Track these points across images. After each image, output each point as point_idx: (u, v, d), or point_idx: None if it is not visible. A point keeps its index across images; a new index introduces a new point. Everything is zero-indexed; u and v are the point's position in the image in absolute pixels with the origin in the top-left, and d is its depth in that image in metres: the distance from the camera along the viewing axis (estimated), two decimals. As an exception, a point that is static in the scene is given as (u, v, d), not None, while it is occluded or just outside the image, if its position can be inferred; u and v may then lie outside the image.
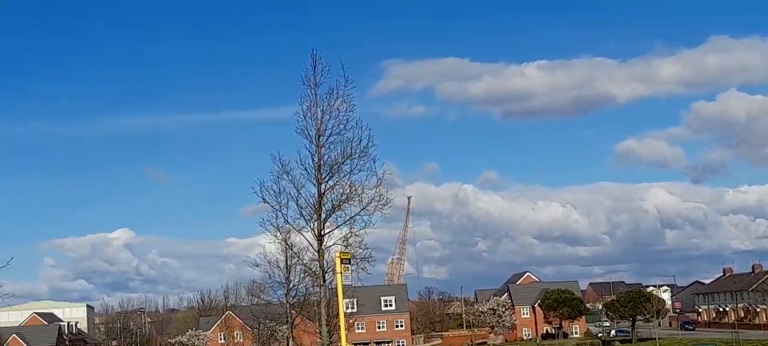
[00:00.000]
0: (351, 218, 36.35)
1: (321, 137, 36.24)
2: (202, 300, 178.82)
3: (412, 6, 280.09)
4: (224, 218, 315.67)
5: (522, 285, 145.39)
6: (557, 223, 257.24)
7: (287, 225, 36.89)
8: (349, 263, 28.32)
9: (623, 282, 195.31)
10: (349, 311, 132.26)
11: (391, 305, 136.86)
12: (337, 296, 28.64)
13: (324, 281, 36.85)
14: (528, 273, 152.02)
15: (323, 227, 36.35)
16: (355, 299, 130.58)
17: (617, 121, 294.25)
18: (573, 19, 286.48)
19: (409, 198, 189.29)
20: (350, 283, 28.42)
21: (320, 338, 37.79)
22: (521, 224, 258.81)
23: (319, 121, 36.30)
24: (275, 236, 37.00)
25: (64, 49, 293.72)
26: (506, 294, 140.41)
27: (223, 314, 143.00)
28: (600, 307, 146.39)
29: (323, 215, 36.31)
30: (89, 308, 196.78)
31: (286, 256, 64.15)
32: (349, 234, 36.60)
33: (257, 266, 63.23)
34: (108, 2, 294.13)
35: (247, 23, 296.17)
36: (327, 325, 38.41)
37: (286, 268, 64.27)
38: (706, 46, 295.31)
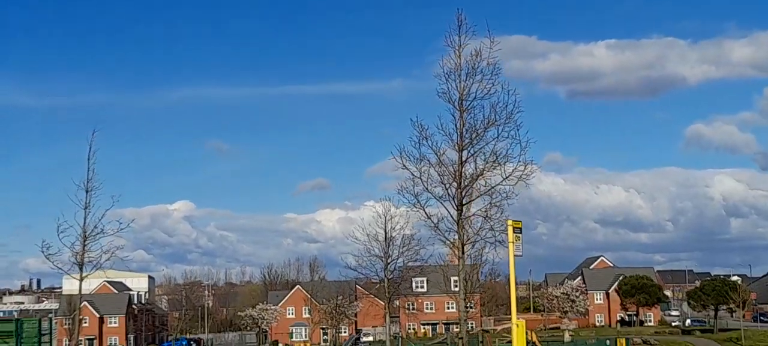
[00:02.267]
0: (492, 187, 34.73)
1: (464, 102, 34.57)
2: (267, 275, 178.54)
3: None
4: (282, 193, 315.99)
5: (596, 270, 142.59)
6: (620, 207, 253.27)
7: (426, 192, 35.04)
8: (521, 232, 26.45)
9: (692, 271, 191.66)
10: (421, 290, 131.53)
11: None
12: (508, 268, 26.76)
13: (463, 253, 35.20)
14: (602, 258, 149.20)
15: (463, 196, 34.76)
16: (425, 279, 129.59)
17: (687, 104, 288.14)
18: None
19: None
20: (521, 254, 26.58)
21: (458, 311, 36.24)
22: (583, 207, 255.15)
23: (463, 85, 34.64)
24: (414, 204, 35.24)
25: (129, 18, 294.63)
26: (579, 278, 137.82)
27: (293, 288, 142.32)
28: (671, 294, 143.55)
29: (464, 183, 34.71)
30: (150, 278, 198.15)
31: (386, 228, 63.27)
32: (490, 205, 34.98)
33: (357, 239, 62.43)
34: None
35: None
36: (464, 299, 36.69)
37: (385, 240, 63.28)
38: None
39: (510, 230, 26.11)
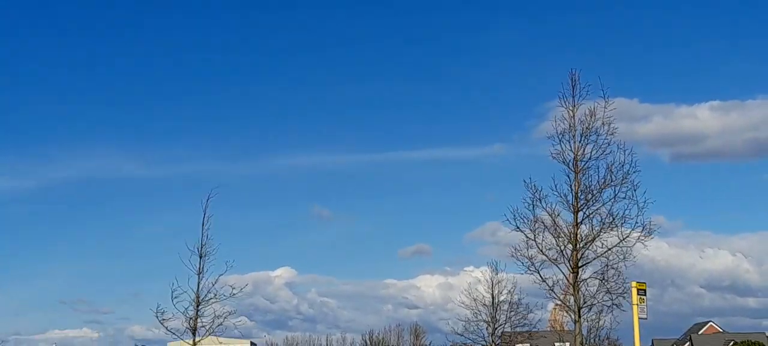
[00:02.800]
0: (609, 249, 34.13)
1: (579, 162, 34.24)
2: (368, 341, 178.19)
3: (577, 46, 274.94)
4: (383, 259, 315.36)
5: (705, 335, 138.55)
6: (727, 272, 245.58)
7: (541, 254, 34.60)
8: (645, 294, 25.83)
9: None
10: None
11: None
12: (633, 331, 26.08)
13: (579, 316, 34.53)
14: (711, 323, 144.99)
15: (579, 259, 34.23)
16: (528, 345, 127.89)
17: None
18: (747, 56, 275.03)
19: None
20: (646, 316, 25.93)
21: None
22: (689, 272, 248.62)
23: (577, 145, 34.36)
24: (529, 267, 34.85)
25: (241, 88, 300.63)
26: (688, 343, 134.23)
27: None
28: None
29: (579, 245, 34.21)
30: (252, 344, 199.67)
31: (493, 292, 62.85)
32: (606, 268, 34.36)
33: (463, 303, 62.26)
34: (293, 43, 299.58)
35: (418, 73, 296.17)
36: (579, 364, 35.94)
37: (492, 305, 62.87)
38: None
39: (634, 291, 25.62)
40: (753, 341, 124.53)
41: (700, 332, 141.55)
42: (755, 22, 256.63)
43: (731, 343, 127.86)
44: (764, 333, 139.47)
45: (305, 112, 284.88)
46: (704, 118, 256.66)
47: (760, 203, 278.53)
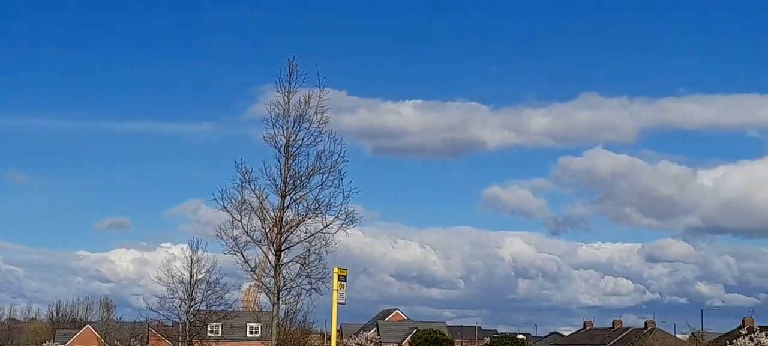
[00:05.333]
0: (313, 235, 35.04)
1: (290, 148, 34.89)
2: (54, 312, 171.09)
3: (292, 34, 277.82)
4: (77, 230, 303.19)
5: (391, 322, 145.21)
6: (415, 263, 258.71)
7: (245, 236, 34.92)
8: (346, 280, 26.80)
9: (480, 327, 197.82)
10: (216, 335, 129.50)
11: (256, 332, 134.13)
12: (331, 314, 26.92)
13: (278, 299, 35.16)
14: (397, 311, 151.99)
15: (283, 242, 34.87)
16: (221, 325, 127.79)
17: (485, 167, 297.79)
18: (448, 58, 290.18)
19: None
20: (344, 301, 26.90)
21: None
22: (381, 261, 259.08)
23: (290, 131, 35.00)
24: (232, 248, 35.02)
25: None
26: (374, 330, 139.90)
27: (82, 328, 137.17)
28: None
29: (284, 229, 34.86)
30: None
31: (191, 270, 62.50)
32: (308, 252, 35.24)
33: (160, 279, 61.35)
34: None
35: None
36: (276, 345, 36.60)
37: (190, 283, 62.55)
38: (577, 101, 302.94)
39: (335, 277, 26.42)
40: (435, 329, 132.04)
41: (386, 319, 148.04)
42: (455, 26, 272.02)
43: (414, 330, 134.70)
44: (444, 323, 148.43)
45: (6, 71, 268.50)
46: (407, 115, 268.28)
47: (451, 200, 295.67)
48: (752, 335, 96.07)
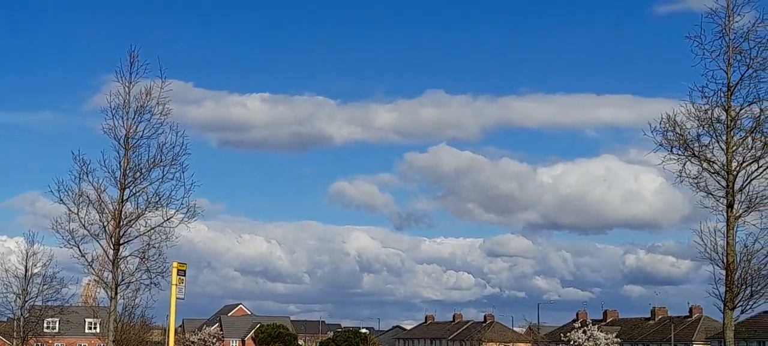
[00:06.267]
0: (152, 228, 34.38)
1: (130, 140, 34.14)
2: None
3: (136, 26, 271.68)
4: None
5: (234, 317, 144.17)
6: (260, 257, 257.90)
7: (83, 229, 33.96)
8: (185, 275, 26.40)
9: (324, 322, 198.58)
10: (53, 331, 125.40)
11: (95, 328, 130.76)
12: (169, 309, 26.47)
13: (116, 293, 34.32)
14: (240, 305, 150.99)
15: (121, 236, 34.09)
16: (58, 321, 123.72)
17: (333, 161, 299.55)
18: (297, 52, 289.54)
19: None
20: (183, 296, 26.49)
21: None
22: (225, 255, 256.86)
23: (130, 122, 34.23)
24: (68, 241, 33.98)
25: None
26: (217, 325, 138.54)
27: None
28: (304, 343, 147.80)
29: (123, 223, 34.09)
30: None
31: (26, 264, 60.36)
32: (148, 246, 34.57)
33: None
34: None
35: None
36: (114, 341, 35.68)
37: (25, 277, 60.45)
38: (423, 98, 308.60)
39: (174, 272, 26.03)
40: (278, 324, 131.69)
41: (229, 314, 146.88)
42: (304, 20, 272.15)
43: (258, 325, 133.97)
44: (288, 318, 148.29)
45: None
46: (254, 108, 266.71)
47: (298, 195, 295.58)
48: (585, 328, 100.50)
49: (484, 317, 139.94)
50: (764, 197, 27.77)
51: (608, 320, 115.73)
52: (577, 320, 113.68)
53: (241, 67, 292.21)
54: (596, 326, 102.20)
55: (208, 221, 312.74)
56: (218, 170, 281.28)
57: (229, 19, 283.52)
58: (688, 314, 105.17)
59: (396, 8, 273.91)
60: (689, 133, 28.57)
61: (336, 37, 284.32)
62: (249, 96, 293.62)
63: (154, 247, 34.40)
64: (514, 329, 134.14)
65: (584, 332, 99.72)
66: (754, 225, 28.00)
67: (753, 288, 27.79)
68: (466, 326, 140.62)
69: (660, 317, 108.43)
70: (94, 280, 36.17)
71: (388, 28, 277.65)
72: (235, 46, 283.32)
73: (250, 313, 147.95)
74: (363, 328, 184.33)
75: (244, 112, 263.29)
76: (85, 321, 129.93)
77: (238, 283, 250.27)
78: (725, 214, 28.05)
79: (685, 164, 28.63)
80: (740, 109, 28.17)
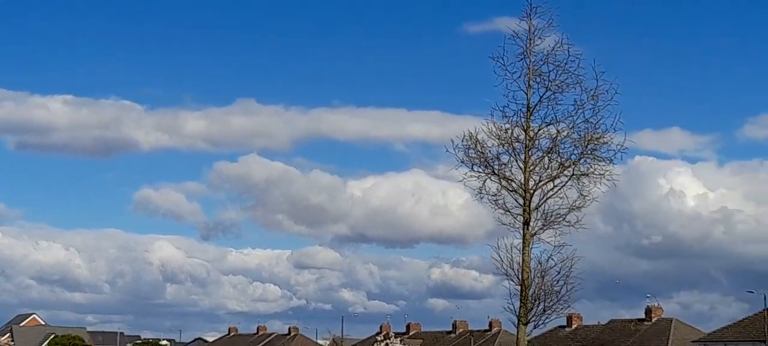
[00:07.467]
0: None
1: None
2: None
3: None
4: None
5: (27, 327, 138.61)
6: (58, 265, 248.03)
7: None
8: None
9: (123, 333, 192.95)
10: None
11: None
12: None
13: None
14: (34, 315, 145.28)
15: None
16: None
17: (138, 168, 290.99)
18: (102, 56, 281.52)
19: None
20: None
21: None
22: (20, 263, 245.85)
23: None
24: None
25: None
26: (8, 335, 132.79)
27: None
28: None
29: None
30: None
31: None
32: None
33: None
34: None
35: None
36: None
37: None
38: (233, 106, 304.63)
39: None
40: (73, 335, 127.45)
41: (22, 324, 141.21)
42: (111, 23, 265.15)
43: (52, 336, 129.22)
44: (85, 328, 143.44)
45: None
46: (55, 111, 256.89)
47: (100, 201, 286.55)
48: (388, 340, 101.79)
49: (289, 329, 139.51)
50: (559, 216, 28.55)
51: (411, 333, 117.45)
52: (380, 332, 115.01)
53: (43, 68, 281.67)
54: (399, 339, 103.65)
55: (4, 227, 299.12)
56: (16, 174, 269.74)
57: (34, 16, 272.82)
58: (488, 327, 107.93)
59: (206, 14, 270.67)
60: (490, 151, 28.98)
61: (145, 41, 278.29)
62: (51, 97, 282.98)
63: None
64: (318, 341, 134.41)
65: (386, 344, 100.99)
66: (548, 242, 28.70)
67: (546, 303, 28.47)
68: (269, 338, 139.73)
69: (461, 330, 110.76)
70: None
71: (199, 33, 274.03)
72: (38, 44, 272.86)
73: (44, 323, 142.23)
74: (164, 340, 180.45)
75: (45, 114, 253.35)
76: None
77: (34, 292, 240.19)
78: (522, 231, 28.67)
79: (485, 181, 29.00)
80: (538, 130, 28.79)
